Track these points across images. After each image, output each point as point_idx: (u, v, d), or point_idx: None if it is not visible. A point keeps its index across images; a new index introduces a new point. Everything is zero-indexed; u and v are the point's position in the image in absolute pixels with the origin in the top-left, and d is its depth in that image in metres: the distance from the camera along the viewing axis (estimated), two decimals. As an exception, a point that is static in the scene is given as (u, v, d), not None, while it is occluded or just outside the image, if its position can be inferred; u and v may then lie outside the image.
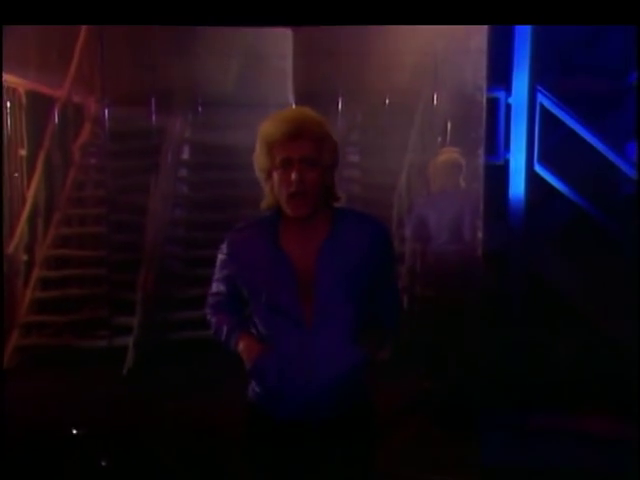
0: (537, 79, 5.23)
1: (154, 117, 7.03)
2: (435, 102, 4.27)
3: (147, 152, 7.01)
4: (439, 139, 4.20)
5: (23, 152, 6.39)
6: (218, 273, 2.25)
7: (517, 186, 5.24)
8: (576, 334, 5.60)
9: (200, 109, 7.24)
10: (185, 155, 7.16)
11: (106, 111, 6.94)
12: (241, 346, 2.18)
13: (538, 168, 5.35)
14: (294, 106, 2.12)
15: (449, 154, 4.16)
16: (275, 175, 2.08)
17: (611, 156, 5.35)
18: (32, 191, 6.43)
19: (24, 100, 6.35)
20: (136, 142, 7.21)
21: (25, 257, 6.34)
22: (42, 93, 6.60)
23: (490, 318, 4.60)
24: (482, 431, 4.34)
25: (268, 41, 5.34)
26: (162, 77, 6.91)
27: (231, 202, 6.66)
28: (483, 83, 4.02)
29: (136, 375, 5.55)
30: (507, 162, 5.27)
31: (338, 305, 2.10)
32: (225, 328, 2.24)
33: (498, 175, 5.14)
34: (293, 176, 2.04)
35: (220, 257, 2.22)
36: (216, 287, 2.28)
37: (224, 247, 2.20)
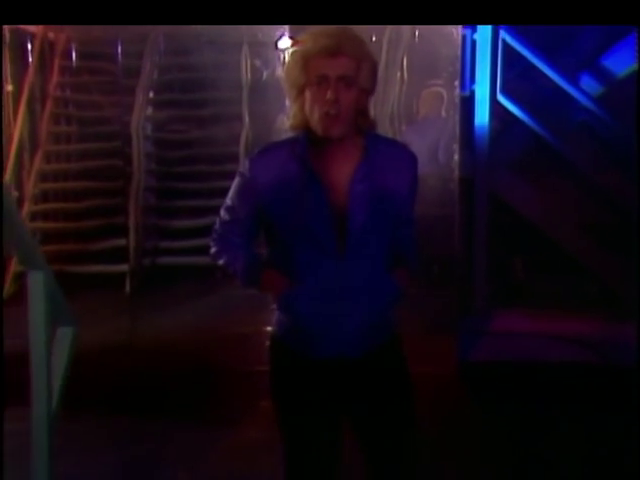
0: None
1: (124, 59, 7.12)
2: (416, 40, 4.69)
3: (115, 90, 7.23)
4: (420, 74, 4.65)
5: (9, 88, 6.57)
6: (236, 199, 2.07)
7: (482, 115, 5.73)
8: (534, 249, 6.26)
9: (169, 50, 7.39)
10: (152, 95, 7.33)
11: (77, 48, 7.19)
12: (265, 281, 2.04)
13: (501, 98, 5.85)
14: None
15: (433, 87, 4.61)
16: (308, 92, 1.93)
17: (566, 86, 5.86)
18: (18, 127, 6.64)
19: (8, 37, 6.50)
20: (104, 78, 7.41)
21: (16, 193, 6.58)
22: (24, 30, 6.74)
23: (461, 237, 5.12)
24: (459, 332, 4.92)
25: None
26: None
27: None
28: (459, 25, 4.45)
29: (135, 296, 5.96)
30: (473, 93, 5.75)
31: (372, 233, 1.99)
32: (243, 261, 2.07)
33: (465, 105, 5.62)
34: (329, 95, 1.90)
35: (239, 182, 2.05)
36: (230, 215, 2.09)
37: (245, 170, 2.02)
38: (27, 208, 6.66)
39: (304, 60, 1.93)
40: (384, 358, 2.07)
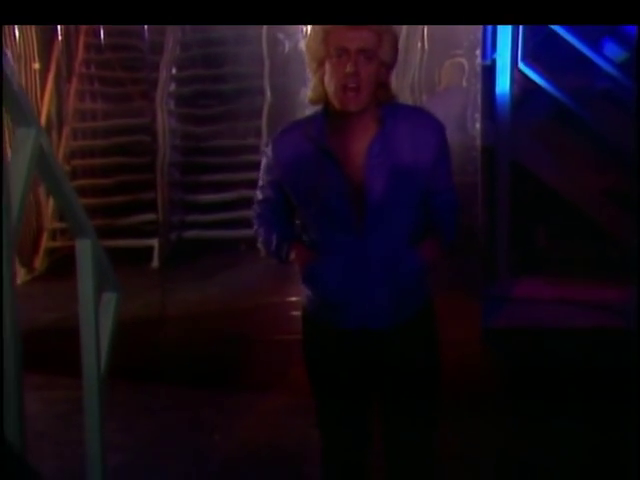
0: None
1: (148, 34, 7.18)
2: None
3: (140, 66, 7.32)
4: (441, 44, 4.68)
5: (36, 65, 6.68)
6: (263, 179, 2.11)
7: (503, 83, 5.74)
8: (556, 216, 6.29)
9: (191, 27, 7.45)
10: (174, 71, 7.42)
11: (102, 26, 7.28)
12: (293, 255, 2.05)
13: (522, 66, 5.86)
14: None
15: (455, 58, 4.65)
16: (328, 65, 1.91)
17: (587, 52, 5.86)
18: (45, 105, 6.76)
19: (33, 16, 6.60)
20: (129, 55, 7.50)
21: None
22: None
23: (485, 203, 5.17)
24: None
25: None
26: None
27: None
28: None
29: (164, 270, 6.10)
30: (494, 62, 5.76)
31: (392, 207, 1.97)
32: (275, 237, 2.09)
33: (487, 74, 5.64)
34: (348, 67, 1.88)
35: (264, 161, 2.08)
36: (262, 194, 2.13)
37: (268, 150, 2.06)
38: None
39: (325, 32, 1.91)
40: (411, 332, 2.05)
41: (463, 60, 4.56)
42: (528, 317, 5.10)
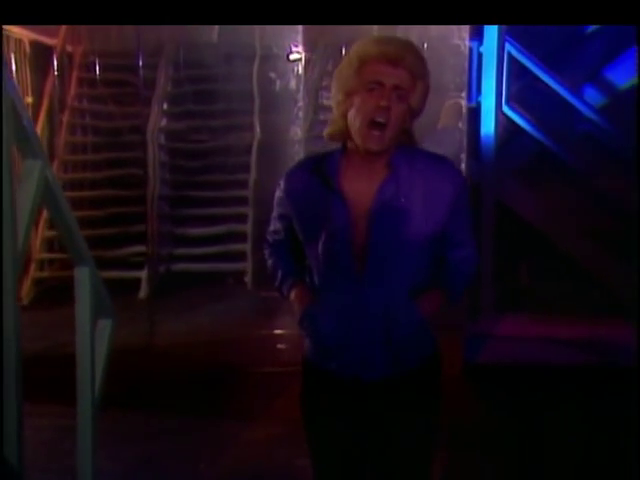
0: (505, 31, 5.87)
1: (141, 70, 7.32)
2: (425, 51, 4.85)
3: (132, 101, 7.45)
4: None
5: (29, 99, 6.79)
6: (276, 211, 2.06)
7: (488, 125, 5.89)
8: (539, 255, 6.42)
9: (183, 63, 7.62)
10: (166, 106, 7.54)
11: (98, 60, 7.44)
12: (292, 295, 2.01)
13: (506, 109, 6.03)
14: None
15: (453, 99, 4.80)
16: (358, 97, 1.83)
17: (569, 97, 6.04)
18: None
19: (28, 50, 6.73)
20: (121, 90, 7.63)
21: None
22: (44, 43, 6.97)
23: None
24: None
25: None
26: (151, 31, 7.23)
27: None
28: (466, 36, 4.64)
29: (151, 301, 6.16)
30: (479, 104, 5.94)
31: (394, 256, 1.89)
32: (280, 273, 2.06)
33: (472, 116, 5.81)
34: (382, 101, 1.81)
35: (277, 194, 2.03)
36: (273, 225, 2.09)
37: (282, 183, 2.00)
38: (46, 215, 6.86)
39: (361, 63, 1.83)
40: (406, 387, 1.96)
41: (462, 102, 4.71)
42: (510, 354, 5.18)
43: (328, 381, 1.97)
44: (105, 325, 2.14)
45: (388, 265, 1.89)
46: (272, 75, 6.38)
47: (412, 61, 1.84)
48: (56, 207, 1.85)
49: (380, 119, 1.82)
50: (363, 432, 1.99)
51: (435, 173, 1.91)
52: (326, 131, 1.93)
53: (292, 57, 6.30)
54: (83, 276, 2.00)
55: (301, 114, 6.30)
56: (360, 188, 1.89)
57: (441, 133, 4.96)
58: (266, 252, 2.13)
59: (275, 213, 2.07)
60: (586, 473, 3.49)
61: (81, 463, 2.16)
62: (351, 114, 1.84)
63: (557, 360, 5.00)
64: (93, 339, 2.07)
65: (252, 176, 7.13)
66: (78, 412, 2.12)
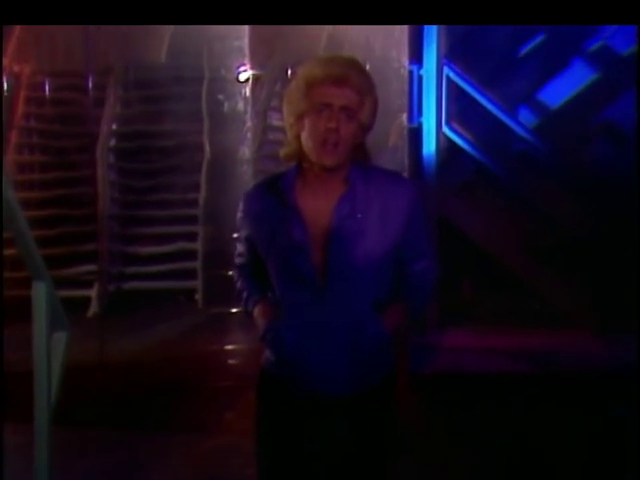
0: (443, 55, 6.14)
1: (90, 91, 7.37)
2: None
3: (79, 121, 7.52)
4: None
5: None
6: (238, 233, 2.10)
7: (429, 145, 6.14)
8: (481, 269, 6.67)
9: (133, 83, 7.71)
10: (115, 126, 7.61)
11: (46, 80, 7.50)
12: (256, 311, 2.03)
13: (446, 130, 6.28)
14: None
15: (400, 119, 5.01)
16: (308, 120, 1.89)
17: (505, 118, 6.34)
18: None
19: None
20: (70, 110, 7.70)
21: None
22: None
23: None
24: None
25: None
26: (99, 52, 7.32)
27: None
28: (405, 60, 4.87)
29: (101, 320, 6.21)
30: (420, 125, 6.18)
31: (356, 270, 1.92)
32: (245, 293, 2.09)
33: (414, 136, 6.05)
34: (330, 123, 1.86)
35: (238, 216, 2.06)
36: (238, 247, 2.13)
37: (240, 205, 2.04)
38: (-6, 236, 6.86)
39: (308, 86, 1.89)
40: (370, 403, 1.97)
41: (403, 122, 4.93)
42: (454, 364, 5.39)
43: (289, 396, 1.97)
44: (61, 337, 2.25)
45: (350, 279, 1.92)
46: (220, 97, 6.53)
47: (357, 79, 1.89)
48: (16, 222, 1.97)
49: (331, 140, 1.87)
50: (322, 448, 1.98)
51: (390, 188, 1.96)
52: (282, 152, 1.98)
53: (242, 77, 6.47)
54: (40, 291, 2.11)
55: (249, 134, 6.47)
56: (317, 205, 1.93)
57: (392, 151, 5.16)
58: (234, 275, 2.16)
59: (238, 235, 2.10)
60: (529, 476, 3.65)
61: (38, 476, 2.25)
62: (304, 136, 1.90)
63: (497, 369, 5.22)
64: (49, 351, 2.17)
65: (202, 195, 7.25)
66: (35, 422, 2.21)
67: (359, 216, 1.92)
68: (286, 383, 1.98)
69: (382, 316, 1.94)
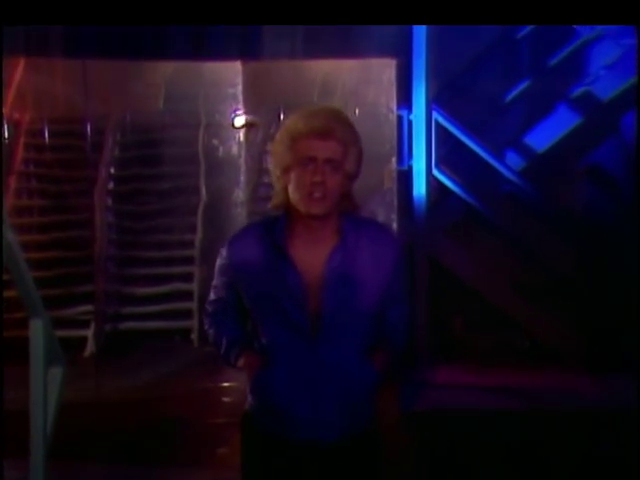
0: (432, 100, 6.34)
1: (89, 136, 7.55)
2: (357, 117, 5.27)
3: (78, 165, 7.70)
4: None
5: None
6: (218, 279, 2.07)
7: (419, 187, 6.32)
8: (472, 308, 6.79)
9: (130, 127, 7.91)
10: (112, 170, 7.79)
11: (45, 127, 7.69)
12: (242, 361, 2.01)
13: (436, 172, 6.46)
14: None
15: (392, 164, 5.19)
16: (294, 173, 1.91)
17: (492, 161, 6.53)
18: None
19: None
20: (68, 155, 7.87)
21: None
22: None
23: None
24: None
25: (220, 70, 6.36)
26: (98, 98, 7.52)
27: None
28: (394, 106, 5.06)
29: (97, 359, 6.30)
30: (410, 168, 6.37)
31: (348, 318, 1.96)
32: (225, 340, 2.04)
33: (404, 178, 6.23)
34: (315, 177, 1.89)
35: (220, 262, 2.04)
36: (215, 294, 2.09)
37: (224, 251, 2.03)
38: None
39: (292, 140, 1.91)
40: (359, 446, 2.00)
41: (392, 166, 5.10)
42: (443, 401, 5.47)
43: (280, 446, 1.97)
44: (57, 373, 2.36)
45: (342, 327, 1.95)
46: (215, 142, 6.73)
47: (341, 131, 1.91)
48: (15, 264, 2.10)
49: (317, 194, 1.90)
50: None
51: (379, 239, 2.02)
52: (271, 203, 2.00)
53: (236, 123, 6.66)
54: (37, 327, 2.23)
55: (243, 178, 6.65)
56: (310, 254, 1.96)
57: (387, 193, 5.32)
58: (206, 322, 2.12)
59: (217, 282, 2.07)
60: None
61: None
62: (291, 188, 1.92)
63: (485, 405, 5.31)
64: (46, 385, 2.28)
65: (198, 236, 7.40)
66: (31, 456, 2.31)
67: (351, 266, 1.96)
68: (274, 430, 1.97)
69: (371, 361, 1.98)
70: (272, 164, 1.98)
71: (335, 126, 1.91)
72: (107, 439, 4.51)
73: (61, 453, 3.60)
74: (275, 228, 1.97)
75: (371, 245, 2.00)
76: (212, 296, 2.11)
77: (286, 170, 1.93)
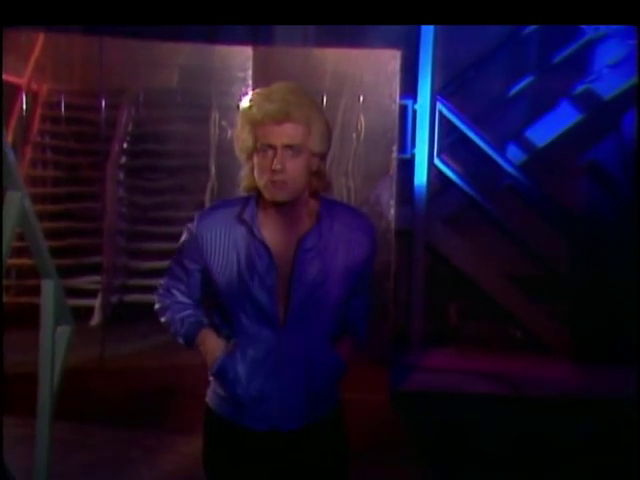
0: (437, 91, 6.50)
1: (104, 110, 7.72)
2: (361, 119, 5.46)
3: (92, 139, 7.89)
4: (361, 137, 5.44)
5: (-6, 136, 7.15)
6: (181, 255, 1.98)
7: (421, 176, 6.50)
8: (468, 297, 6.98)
9: (144, 104, 8.10)
10: (125, 145, 7.99)
11: (62, 100, 7.89)
12: (202, 343, 1.95)
13: (437, 162, 6.63)
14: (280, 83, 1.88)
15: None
16: (256, 159, 1.85)
17: (494, 154, 6.67)
18: None
19: (-5, 87, 7.13)
20: (83, 128, 8.07)
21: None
22: (10, 81, 7.39)
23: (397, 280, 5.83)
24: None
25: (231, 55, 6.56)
26: (114, 73, 7.70)
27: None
28: (397, 97, 5.24)
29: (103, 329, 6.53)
30: (413, 156, 6.53)
31: (317, 304, 1.90)
32: (180, 320, 1.98)
33: (406, 166, 6.40)
34: (274, 164, 1.81)
35: (187, 237, 1.95)
36: (176, 270, 2.01)
37: (192, 227, 1.93)
38: (5, 245, 7.19)
39: (251, 126, 1.84)
40: (322, 434, 1.97)
41: (393, 154, 5.27)
42: (434, 383, 5.67)
43: (242, 435, 1.92)
44: (65, 330, 2.57)
45: (310, 312, 1.89)
46: (224, 123, 6.91)
47: (298, 112, 1.81)
48: (31, 229, 2.31)
49: (279, 181, 1.82)
50: None
51: (354, 226, 1.94)
52: (242, 185, 1.92)
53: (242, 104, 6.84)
54: (48, 288, 2.44)
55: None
56: (281, 236, 1.89)
57: (390, 179, 5.46)
58: (160, 300, 2.05)
59: (180, 257, 1.98)
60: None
61: (38, 462, 2.57)
62: (255, 173, 1.87)
63: (473, 389, 5.50)
64: (54, 342, 2.50)
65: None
66: (38, 407, 2.53)
67: (324, 251, 1.89)
68: (236, 418, 1.92)
69: (337, 348, 1.96)
70: (237, 148, 1.90)
71: (290, 109, 1.80)
72: (108, 404, 4.75)
73: (66, 415, 3.86)
74: (246, 208, 1.90)
75: (346, 231, 1.93)
76: (172, 272, 2.02)
77: (249, 156, 1.87)
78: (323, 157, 1.91)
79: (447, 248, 6.73)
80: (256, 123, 1.82)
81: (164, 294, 2.03)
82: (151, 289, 6.86)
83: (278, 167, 1.81)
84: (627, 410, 4.48)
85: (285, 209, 1.89)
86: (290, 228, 1.90)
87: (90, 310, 6.92)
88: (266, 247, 1.87)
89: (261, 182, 1.85)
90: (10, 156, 2.17)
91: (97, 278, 6.96)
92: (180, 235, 6.20)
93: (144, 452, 4.12)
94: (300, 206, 1.90)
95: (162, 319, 2.03)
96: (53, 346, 2.52)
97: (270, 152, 1.82)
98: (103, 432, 4.37)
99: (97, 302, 6.93)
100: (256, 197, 1.91)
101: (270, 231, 1.89)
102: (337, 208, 1.96)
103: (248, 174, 1.90)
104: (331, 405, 2.00)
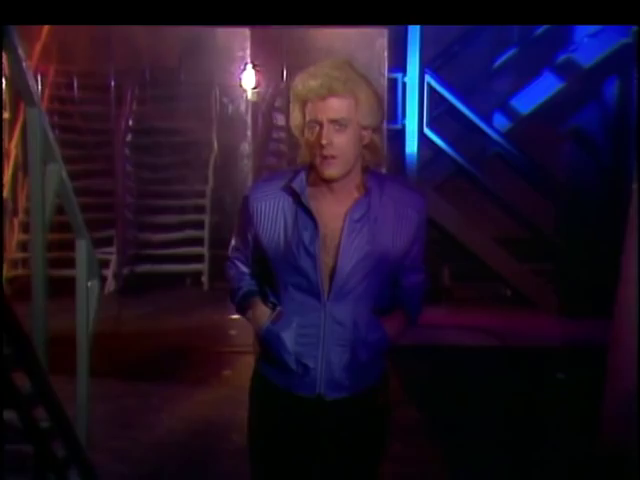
0: (425, 64, 6.85)
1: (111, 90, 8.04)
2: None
3: (98, 118, 8.26)
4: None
5: (6, 115, 7.49)
6: (238, 226, 2.04)
7: (411, 145, 6.87)
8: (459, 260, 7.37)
9: (149, 83, 8.44)
10: (131, 123, 8.34)
11: (70, 80, 8.25)
12: (251, 312, 2.01)
13: (427, 131, 6.99)
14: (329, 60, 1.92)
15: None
16: (306, 135, 1.88)
17: (481, 123, 7.04)
18: (13, 150, 7.60)
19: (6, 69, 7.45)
20: (91, 107, 8.43)
21: (11, 205, 7.54)
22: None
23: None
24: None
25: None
26: (119, 54, 8.01)
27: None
28: (385, 71, 5.60)
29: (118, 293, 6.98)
30: (404, 127, 6.89)
31: (362, 277, 1.90)
32: (238, 289, 2.05)
33: (397, 136, 6.78)
34: (321, 139, 1.83)
35: (241, 209, 2.00)
36: (235, 241, 2.08)
37: (247, 202, 1.97)
38: (20, 219, 7.59)
39: (299, 102, 1.87)
40: (365, 405, 1.98)
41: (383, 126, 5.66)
42: (428, 338, 6.06)
43: (287, 399, 1.95)
44: (95, 284, 3.00)
45: (355, 283, 1.90)
46: (225, 100, 7.28)
47: (342, 86, 1.83)
48: (67, 197, 2.72)
49: (327, 154, 1.84)
50: (318, 449, 2.00)
51: (404, 199, 1.93)
52: (298, 158, 1.95)
53: (244, 83, 7.20)
54: (82, 247, 2.86)
55: (249, 133, 7.21)
56: (329, 207, 1.91)
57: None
58: (226, 269, 2.11)
59: (237, 229, 2.05)
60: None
61: (79, 391, 3.00)
62: (306, 149, 1.90)
63: (464, 342, 5.93)
64: (87, 293, 2.93)
65: (209, 186, 8.00)
66: (77, 346, 2.96)
67: (372, 223, 1.89)
68: (282, 382, 1.96)
69: (383, 322, 1.96)
70: (291, 124, 1.93)
71: (333, 84, 1.82)
72: (126, 362, 5.19)
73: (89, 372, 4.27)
74: (296, 178, 1.92)
75: (396, 205, 1.92)
76: (232, 243, 2.09)
77: (300, 130, 1.91)
78: (375, 130, 1.91)
79: (438, 214, 7.07)
80: (303, 100, 1.86)
81: (229, 265, 2.10)
82: (160, 259, 7.37)
83: (324, 142, 1.84)
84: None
85: (336, 183, 1.90)
86: (339, 200, 1.91)
87: (103, 280, 7.35)
88: (312, 216, 1.89)
89: (312, 158, 1.89)
90: (50, 134, 2.55)
91: (110, 249, 7.37)
92: (186, 208, 6.67)
93: (163, 401, 4.54)
94: (351, 180, 1.91)
95: (229, 286, 2.11)
96: (87, 295, 2.94)
97: (317, 127, 1.85)
98: (125, 385, 4.79)
99: (110, 272, 7.36)
100: (307, 169, 1.94)
101: (319, 202, 1.91)
102: (388, 182, 1.96)
103: (304, 149, 1.93)
104: (376, 375, 2.01)
